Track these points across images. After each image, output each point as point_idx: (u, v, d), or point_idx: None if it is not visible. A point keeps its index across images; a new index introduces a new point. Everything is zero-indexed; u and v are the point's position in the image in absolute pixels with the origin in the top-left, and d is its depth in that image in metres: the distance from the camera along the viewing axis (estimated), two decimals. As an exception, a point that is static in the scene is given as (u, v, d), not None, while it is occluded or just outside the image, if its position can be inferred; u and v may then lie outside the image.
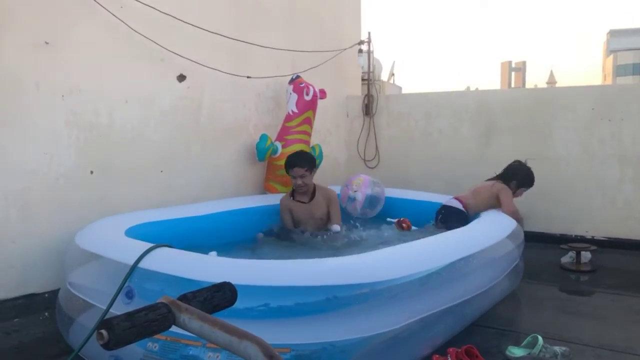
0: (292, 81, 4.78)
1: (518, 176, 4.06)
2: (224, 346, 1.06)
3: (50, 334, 2.79)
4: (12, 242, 3.02)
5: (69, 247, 2.74)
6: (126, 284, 2.19)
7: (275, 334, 1.97)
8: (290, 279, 2.13)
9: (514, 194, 4.03)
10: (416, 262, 2.48)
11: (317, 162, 3.93)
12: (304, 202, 3.87)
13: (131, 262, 2.24)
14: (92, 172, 3.38)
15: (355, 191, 4.31)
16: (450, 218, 3.88)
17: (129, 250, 2.36)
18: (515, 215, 3.80)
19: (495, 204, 3.95)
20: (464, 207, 3.95)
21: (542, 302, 3.47)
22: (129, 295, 2.18)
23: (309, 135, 4.82)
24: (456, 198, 4.05)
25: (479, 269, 2.88)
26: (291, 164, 3.76)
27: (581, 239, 4.82)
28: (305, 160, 3.77)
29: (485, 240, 3.08)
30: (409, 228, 4.15)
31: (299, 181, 3.73)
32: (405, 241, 3.11)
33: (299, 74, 4.89)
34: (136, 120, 3.68)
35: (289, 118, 4.70)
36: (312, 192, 3.89)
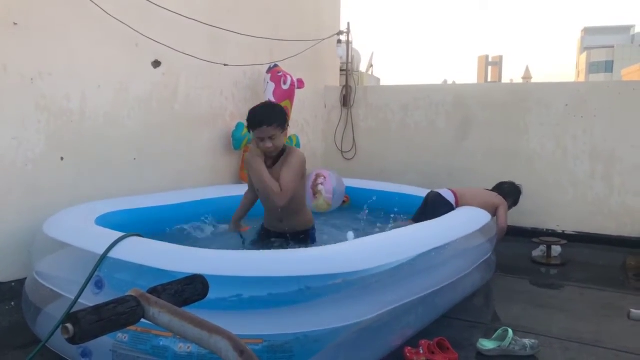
0: (269, 70, 4.74)
1: (514, 196, 4.37)
2: (194, 340, 1.04)
3: (16, 324, 2.73)
4: (-22, 229, 2.92)
5: (36, 235, 2.67)
6: (96, 274, 2.14)
7: (247, 325, 1.96)
8: (262, 269, 2.11)
9: None
10: (388, 252, 2.49)
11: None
12: (268, 166, 2.98)
13: (101, 251, 2.19)
14: (62, 159, 3.29)
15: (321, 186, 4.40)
16: (438, 208, 3.89)
17: (98, 239, 2.30)
18: (504, 231, 3.96)
19: (490, 212, 3.92)
20: (456, 201, 3.98)
21: (513, 295, 3.52)
22: (99, 285, 2.13)
23: (286, 125, 4.78)
24: (451, 190, 4.09)
25: (449, 260, 2.91)
26: (257, 122, 2.82)
27: (552, 233, 4.91)
28: (275, 115, 2.84)
29: (456, 232, 3.11)
30: (347, 200, 4.72)
31: (268, 144, 2.83)
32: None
33: (276, 63, 4.85)
34: (109, 106, 3.59)
35: (266, 107, 4.66)
36: (279, 155, 2.97)
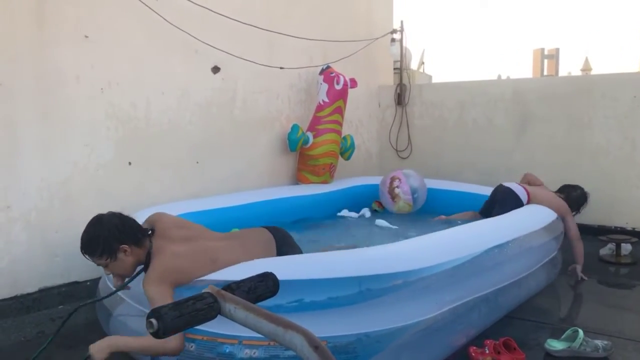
0: (322, 71, 4.79)
1: (580, 204, 3.94)
2: (269, 336, 1.07)
3: (92, 321, 2.86)
4: (56, 231, 3.11)
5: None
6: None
7: (310, 327, 1.97)
8: (322, 271, 2.12)
9: None
10: (449, 250, 2.46)
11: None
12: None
13: None
14: (130, 164, 3.45)
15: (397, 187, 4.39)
16: (508, 202, 3.68)
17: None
18: (579, 240, 3.65)
19: None
20: (527, 200, 3.74)
21: (581, 295, 3.40)
22: None
23: (340, 124, 4.81)
24: (524, 188, 3.84)
25: (511, 258, 2.84)
26: (81, 251, 2.22)
27: (621, 231, 4.69)
28: (94, 245, 2.17)
29: (518, 230, 3.03)
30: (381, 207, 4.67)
31: (107, 271, 2.30)
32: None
33: (329, 64, 4.88)
34: (172, 112, 3.73)
35: (319, 108, 4.71)
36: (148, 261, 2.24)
